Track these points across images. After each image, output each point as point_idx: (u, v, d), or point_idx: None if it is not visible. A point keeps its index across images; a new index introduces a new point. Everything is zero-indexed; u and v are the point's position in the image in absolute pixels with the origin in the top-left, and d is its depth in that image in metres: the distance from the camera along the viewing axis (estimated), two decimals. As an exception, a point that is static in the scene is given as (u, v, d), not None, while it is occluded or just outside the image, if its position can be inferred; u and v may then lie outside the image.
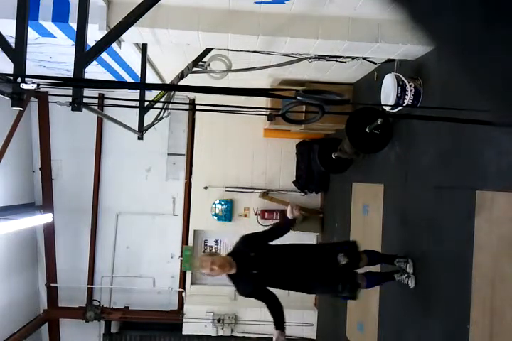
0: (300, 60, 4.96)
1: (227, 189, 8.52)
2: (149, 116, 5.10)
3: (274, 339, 3.92)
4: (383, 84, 4.71)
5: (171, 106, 5.35)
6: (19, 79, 2.41)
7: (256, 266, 3.87)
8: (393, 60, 4.83)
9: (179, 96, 7.21)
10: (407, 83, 4.32)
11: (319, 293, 4.29)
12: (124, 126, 4.15)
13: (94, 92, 5.96)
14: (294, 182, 8.41)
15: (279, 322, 3.96)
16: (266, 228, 4.23)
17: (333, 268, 4.03)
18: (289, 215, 4.01)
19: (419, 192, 4.45)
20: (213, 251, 4.52)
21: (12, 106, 2.56)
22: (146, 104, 4.89)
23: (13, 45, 2.56)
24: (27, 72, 2.52)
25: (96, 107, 3.68)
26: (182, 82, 4.78)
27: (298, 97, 2.60)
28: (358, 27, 3.92)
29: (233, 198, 8.54)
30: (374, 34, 3.96)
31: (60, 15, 3.75)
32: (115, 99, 3.49)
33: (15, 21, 2.57)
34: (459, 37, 0.52)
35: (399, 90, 4.32)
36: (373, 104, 5.14)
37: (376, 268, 4.85)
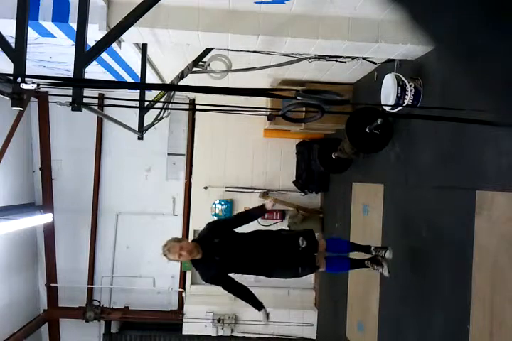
0: (300, 60, 4.96)
1: (227, 189, 8.52)
2: (149, 116, 5.11)
3: (262, 319, 4.12)
4: (383, 84, 4.71)
5: (171, 106, 5.35)
6: (19, 79, 2.41)
7: (219, 252, 4.02)
8: (393, 60, 4.83)
9: (179, 96, 7.21)
10: (407, 83, 4.32)
11: (279, 276, 4.43)
12: (124, 126, 4.16)
13: (94, 92, 5.95)
14: (294, 182, 8.41)
15: (255, 304, 4.17)
16: (235, 214, 4.51)
17: (293, 252, 4.21)
18: (268, 207, 4.39)
19: (419, 192, 4.45)
20: (179, 237, 4.72)
21: (12, 106, 2.55)
22: (146, 104, 4.89)
23: (13, 45, 2.56)
24: (27, 72, 2.52)
25: (96, 107, 3.68)
26: (182, 82, 4.78)
27: (298, 97, 2.60)
28: (358, 27, 3.92)
29: (233, 198, 8.54)
30: (374, 34, 3.96)
31: (60, 15, 3.75)
32: (115, 99, 3.49)
33: (15, 21, 2.57)
34: (459, 37, 0.52)
35: (399, 90, 4.32)
36: (373, 104, 5.14)
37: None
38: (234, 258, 4.09)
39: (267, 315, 4.21)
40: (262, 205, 4.43)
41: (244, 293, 4.18)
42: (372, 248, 4.68)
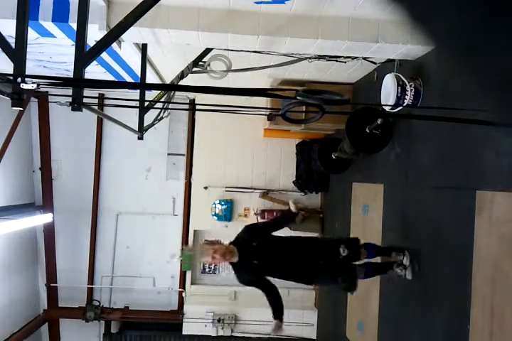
0: (300, 60, 4.96)
1: (227, 189, 8.52)
2: (149, 116, 5.10)
3: (272, 327, 4.02)
4: (383, 84, 4.71)
5: (171, 106, 5.35)
6: (19, 79, 2.41)
7: (257, 256, 3.94)
8: (393, 60, 4.83)
9: (179, 96, 7.21)
10: (407, 83, 4.32)
11: (319, 284, 4.37)
12: (124, 126, 4.15)
13: (94, 92, 5.96)
14: (294, 182, 8.41)
15: (278, 312, 4.08)
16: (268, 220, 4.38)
17: (334, 260, 4.12)
18: (293, 209, 4.28)
19: (419, 192, 4.45)
20: (216, 239, 4.59)
21: (12, 106, 2.55)
22: (146, 104, 4.89)
23: (13, 45, 2.56)
24: (27, 72, 2.52)
25: (96, 107, 3.68)
26: (182, 82, 4.78)
27: (298, 97, 2.60)
28: (358, 27, 3.92)
29: (233, 198, 8.54)
30: (374, 34, 3.96)
31: (60, 15, 3.75)
32: (115, 99, 3.50)
33: (15, 21, 2.57)
34: (458, 37, 0.52)
35: (399, 90, 4.32)
36: (373, 104, 5.14)
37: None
38: (272, 262, 4.00)
39: (279, 327, 4.08)
40: (289, 209, 4.36)
41: (275, 299, 4.08)
42: (393, 253, 4.60)
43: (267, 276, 4.06)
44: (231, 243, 4.03)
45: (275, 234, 4.17)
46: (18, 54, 2.53)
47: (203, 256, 3.88)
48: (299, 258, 4.06)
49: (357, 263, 4.36)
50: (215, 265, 8.58)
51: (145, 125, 4.94)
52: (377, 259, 4.82)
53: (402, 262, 4.49)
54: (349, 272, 4.18)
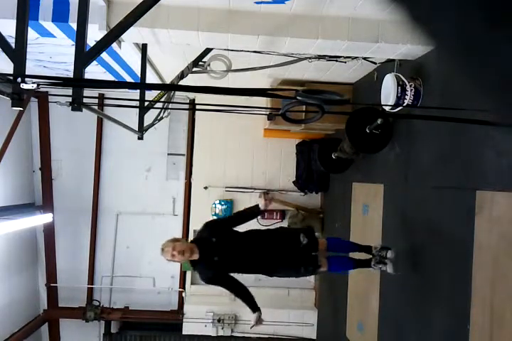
0: (300, 60, 4.96)
1: (227, 189, 8.52)
2: (149, 116, 5.11)
3: (253, 321, 4.08)
4: (383, 84, 4.71)
5: (171, 106, 5.35)
6: (19, 79, 2.41)
7: (217, 252, 3.95)
8: (393, 60, 4.83)
9: (179, 96, 7.21)
10: (407, 83, 4.32)
11: (281, 275, 4.38)
12: (124, 126, 4.15)
13: (94, 92, 5.96)
14: (294, 182, 8.41)
15: (253, 305, 4.12)
16: (231, 214, 4.40)
17: (295, 250, 4.15)
18: (262, 206, 4.23)
19: (419, 192, 4.45)
20: (178, 237, 4.57)
21: (12, 106, 2.55)
22: (146, 104, 4.89)
23: (13, 45, 2.56)
24: (27, 72, 2.52)
25: (96, 107, 3.68)
26: (182, 82, 4.78)
27: (298, 97, 2.60)
28: (358, 27, 3.92)
29: (233, 198, 8.54)
30: (374, 34, 3.96)
31: (60, 15, 3.75)
32: (115, 99, 3.50)
33: (15, 21, 2.57)
34: (459, 37, 0.52)
35: (399, 90, 4.32)
36: (373, 104, 5.14)
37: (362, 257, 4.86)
38: (233, 257, 4.03)
39: (259, 319, 4.14)
40: (257, 205, 4.34)
41: (243, 294, 4.13)
42: (373, 248, 4.66)
43: (229, 272, 4.08)
44: (192, 241, 4.06)
45: (237, 228, 4.19)
46: (18, 54, 2.53)
47: (163, 253, 3.89)
48: (260, 250, 4.08)
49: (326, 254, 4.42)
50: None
51: (145, 125, 4.94)
52: (360, 255, 4.84)
53: (384, 257, 4.52)
54: (311, 262, 4.22)
